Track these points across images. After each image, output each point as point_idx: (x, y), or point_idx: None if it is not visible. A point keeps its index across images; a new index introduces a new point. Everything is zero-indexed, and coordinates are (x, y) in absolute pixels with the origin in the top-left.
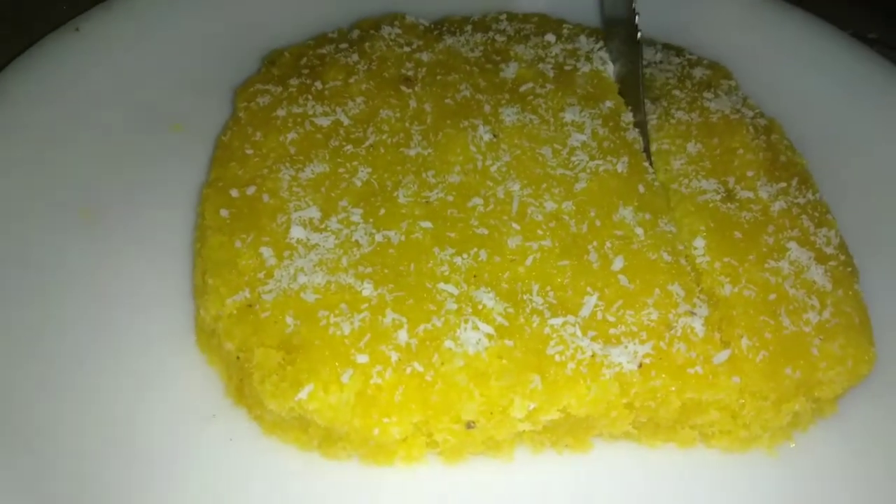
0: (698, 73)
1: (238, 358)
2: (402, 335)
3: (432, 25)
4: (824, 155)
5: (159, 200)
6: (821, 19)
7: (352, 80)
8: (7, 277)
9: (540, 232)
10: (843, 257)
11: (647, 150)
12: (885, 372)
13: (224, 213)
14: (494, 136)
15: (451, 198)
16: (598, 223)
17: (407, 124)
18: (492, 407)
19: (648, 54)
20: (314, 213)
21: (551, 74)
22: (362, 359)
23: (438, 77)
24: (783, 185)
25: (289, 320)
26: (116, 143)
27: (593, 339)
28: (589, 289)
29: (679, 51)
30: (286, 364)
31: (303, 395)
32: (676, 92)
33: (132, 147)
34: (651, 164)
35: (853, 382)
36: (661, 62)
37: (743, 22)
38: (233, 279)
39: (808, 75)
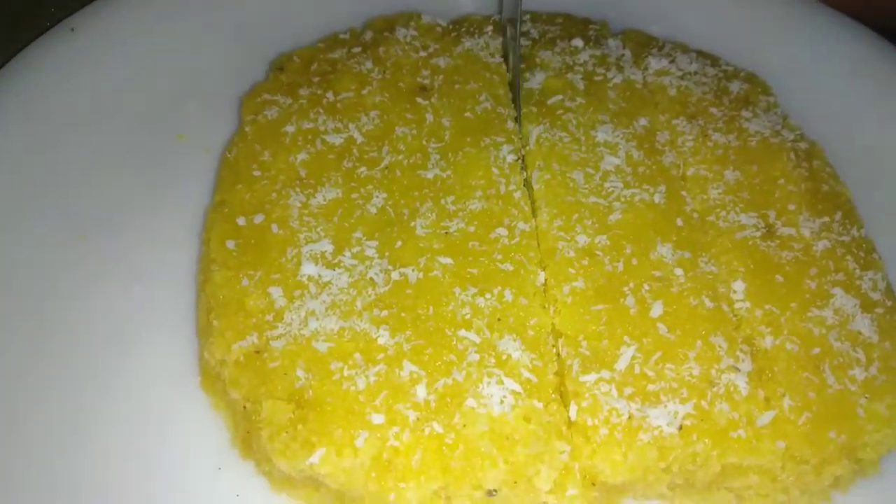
0: (735, 87)
1: (245, 408)
2: (421, 391)
3: (450, 26)
4: (864, 168)
5: (162, 223)
6: (857, 21)
7: (365, 91)
8: None
9: (572, 271)
10: (889, 303)
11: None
12: None
13: (230, 244)
14: (518, 157)
15: (472, 228)
16: (634, 262)
17: (424, 142)
18: (516, 476)
19: (683, 64)
20: (326, 246)
21: (581, 86)
22: (378, 419)
23: (457, 86)
24: (826, 219)
25: (300, 373)
26: (116, 156)
27: (630, 397)
28: (626, 338)
29: (714, 60)
30: (297, 421)
31: (314, 458)
32: (713, 110)
33: (133, 161)
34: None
35: None
36: (696, 73)
37: (779, 24)
38: (239, 322)
39: (847, 81)
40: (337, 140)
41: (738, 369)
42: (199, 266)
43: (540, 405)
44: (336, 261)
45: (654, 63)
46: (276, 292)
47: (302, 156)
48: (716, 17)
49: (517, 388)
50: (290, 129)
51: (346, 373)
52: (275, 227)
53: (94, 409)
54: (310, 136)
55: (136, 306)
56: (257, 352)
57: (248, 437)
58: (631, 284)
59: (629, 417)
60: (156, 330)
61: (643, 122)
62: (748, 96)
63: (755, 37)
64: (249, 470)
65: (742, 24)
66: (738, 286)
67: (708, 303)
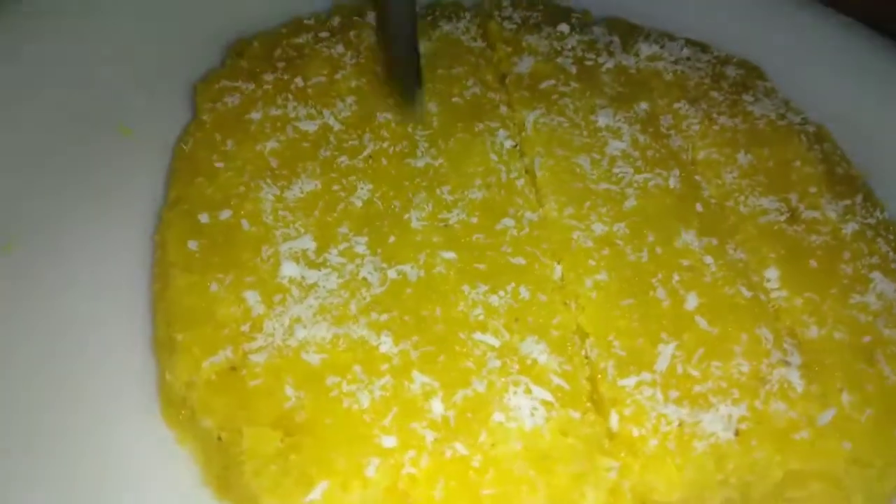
0: (731, 71)
1: (220, 438)
2: (437, 406)
3: (423, 11)
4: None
5: (105, 226)
6: (840, 13)
7: (338, 76)
8: None
9: (592, 262)
10: None
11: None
12: None
13: (192, 244)
14: (516, 143)
15: (474, 219)
16: (658, 250)
17: (410, 129)
18: (560, 502)
19: (674, 50)
20: (308, 243)
21: (573, 70)
22: (389, 442)
23: (440, 71)
24: (848, 202)
25: (289, 391)
26: (48, 151)
27: (677, 400)
28: (663, 335)
29: (704, 47)
30: (288, 450)
31: (315, 495)
32: (714, 93)
33: (68, 157)
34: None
35: None
36: (689, 59)
37: (767, 19)
38: (209, 334)
39: (837, 75)
40: (311, 127)
41: (788, 363)
42: (154, 272)
43: (577, 415)
44: (321, 259)
45: (646, 48)
46: (252, 297)
47: (272, 144)
48: (697, 9)
49: (548, 397)
50: (255, 115)
51: (345, 388)
52: (245, 224)
53: (37, 453)
54: (279, 124)
55: (79, 327)
56: (233, 368)
57: (226, 474)
58: (659, 275)
59: (680, 424)
60: (104, 352)
61: (644, 106)
62: (745, 81)
63: (736, 28)
64: None
65: (726, 17)
66: (772, 274)
67: (745, 292)
